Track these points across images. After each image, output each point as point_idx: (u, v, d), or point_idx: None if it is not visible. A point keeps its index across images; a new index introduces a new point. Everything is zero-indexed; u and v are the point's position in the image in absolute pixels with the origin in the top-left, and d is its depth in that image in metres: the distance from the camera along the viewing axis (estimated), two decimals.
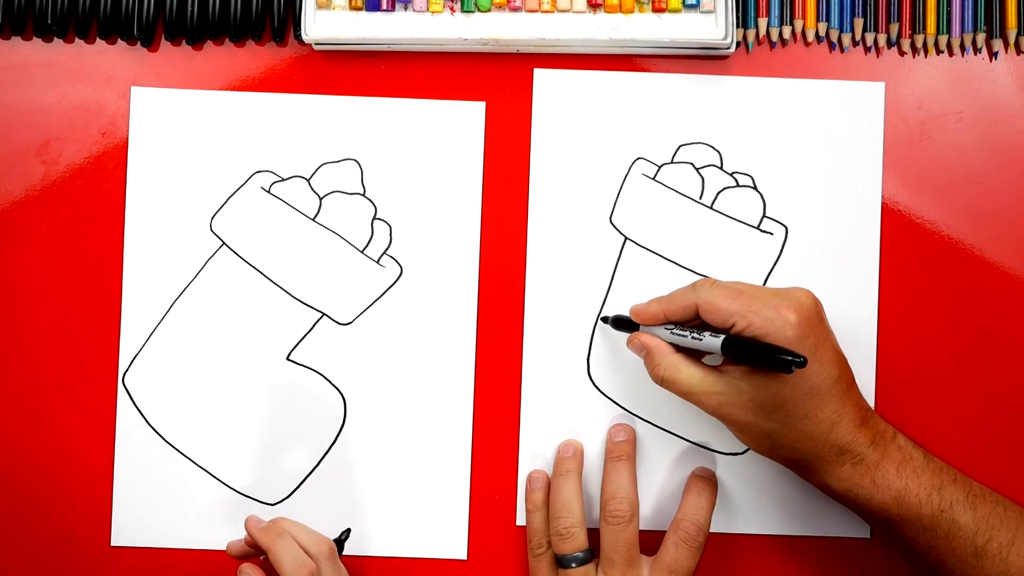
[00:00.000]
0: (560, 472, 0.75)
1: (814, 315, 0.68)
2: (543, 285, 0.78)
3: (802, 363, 0.64)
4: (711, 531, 0.74)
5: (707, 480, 0.75)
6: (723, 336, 0.67)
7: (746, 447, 0.73)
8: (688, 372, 0.69)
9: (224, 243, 0.78)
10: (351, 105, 0.79)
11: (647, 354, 0.71)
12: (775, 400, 0.67)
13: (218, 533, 0.77)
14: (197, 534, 0.77)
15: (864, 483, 0.68)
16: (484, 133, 0.78)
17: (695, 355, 0.70)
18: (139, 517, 0.77)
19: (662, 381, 0.70)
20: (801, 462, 0.69)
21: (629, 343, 0.73)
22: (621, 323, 0.75)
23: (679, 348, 0.70)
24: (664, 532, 0.74)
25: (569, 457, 0.76)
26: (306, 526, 0.74)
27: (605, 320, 0.76)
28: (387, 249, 0.78)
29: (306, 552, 0.71)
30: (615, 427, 0.77)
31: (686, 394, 0.69)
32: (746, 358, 0.67)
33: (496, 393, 0.78)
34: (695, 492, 0.74)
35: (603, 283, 0.78)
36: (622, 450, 0.75)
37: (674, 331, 0.70)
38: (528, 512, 0.76)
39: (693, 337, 0.69)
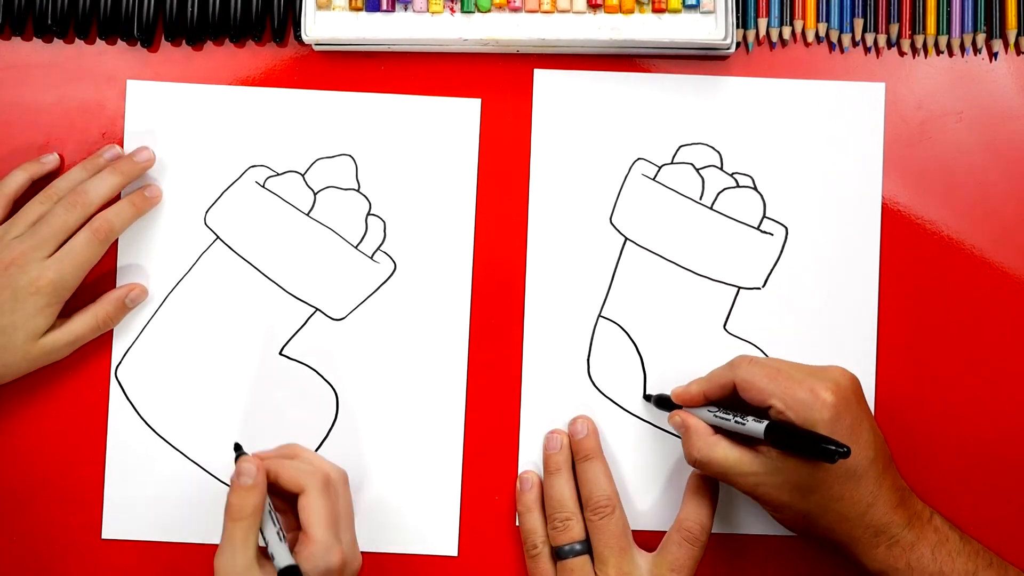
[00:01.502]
0: (550, 470, 0.76)
1: (851, 394, 0.68)
2: (543, 285, 0.78)
3: (845, 454, 0.63)
4: (714, 532, 0.74)
5: (709, 480, 0.75)
6: (766, 423, 0.67)
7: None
8: (724, 453, 0.69)
9: (218, 237, 0.78)
10: (346, 101, 0.79)
11: (685, 433, 0.71)
12: (811, 482, 0.67)
13: (209, 527, 0.77)
14: (189, 528, 0.77)
15: (899, 565, 0.67)
16: (479, 129, 0.78)
17: (735, 435, 0.70)
18: (131, 510, 0.77)
19: (696, 462, 0.70)
20: (837, 543, 0.69)
21: (670, 420, 0.73)
22: (663, 402, 0.75)
23: (718, 430, 0.70)
24: (664, 532, 0.74)
25: (556, 453, 0.76)
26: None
27: (648, 398, 0.77)
28: (381, 245, 0.78)
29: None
30: (574, 424, 0.77)
31: (722, 475, 0.69)
32: (789, 445, 0.66)
33: (496, 392, 0.78)
34: (698, 492, 0.74)
35: (603, 283, 0.78)
36: (588, 448, 0.76)
37: (717, 414, 0.70)
38: (520, 514, 0.76)
39: (736, 422, 0.69)
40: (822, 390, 0.67)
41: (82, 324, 0.75)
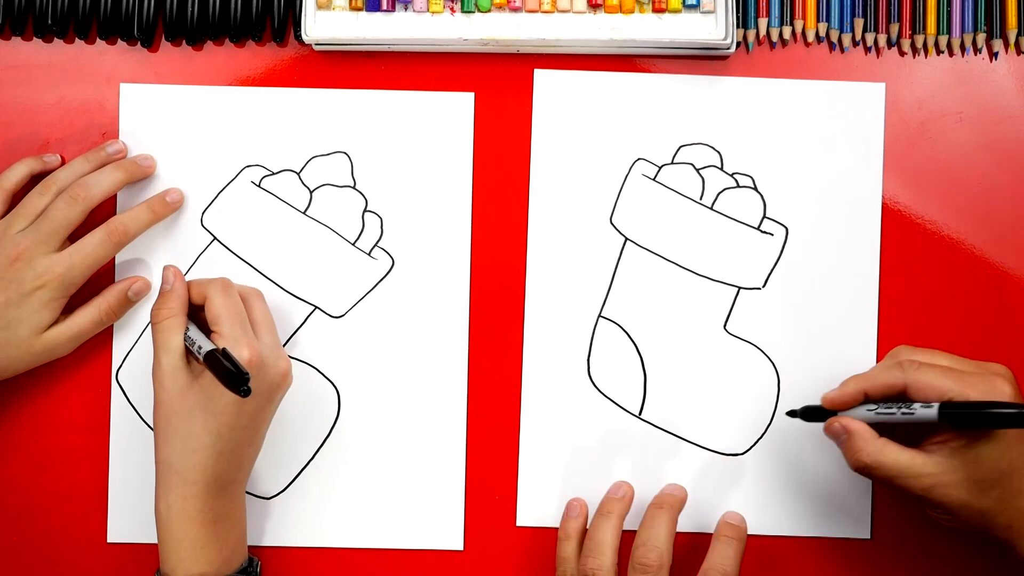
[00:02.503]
0: (603, 512, 0.74)
1: (1020, 389, 0.68)
2: (543, 285, 0.78)
3: None
4: (712, 532, 0.74)
5: (736, 528, 0.73)
6: (936, 405, 0.65)
7: (743, 448, 0.73)
8: (895, 456, 0.67)
9: (215, 238, 0.78)
10: (340, 98, 0.79)
11: (848, 438, 0.68)
12: (992, 475, 0.66)
13: None
14: None
15: None
16: (475, 126, 0.78)
17: (893, 435, 0.68)
18: (135, 513, 0.77)
19: (866, 468, 0.68)
20: (1015, 539, 0.67)
21: (827, 427, 0.70)
22: (811, 413, 0.72)
23: (879, 430, 0.68)
24: None
25: (616, 499, 0.75)
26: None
27: (793, 414, 0.73)
28: (378, 241, 0.78)
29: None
30: (669, 484, 0.76)
31: (892, 478, 0.67)
32: (969, 422, 0.65)
33: (495, 392, 0.78)
34: (723, 541, 0.72)
35: (603, 283, 0.78)
36: (667, 501, 0.74)
37: (878, 411, 0.68)
38: (559, 540, 0.75)
39: (903, 413, 0.67)
40: (1000, 383, 0.66)
41: (85, 318, 0.75)
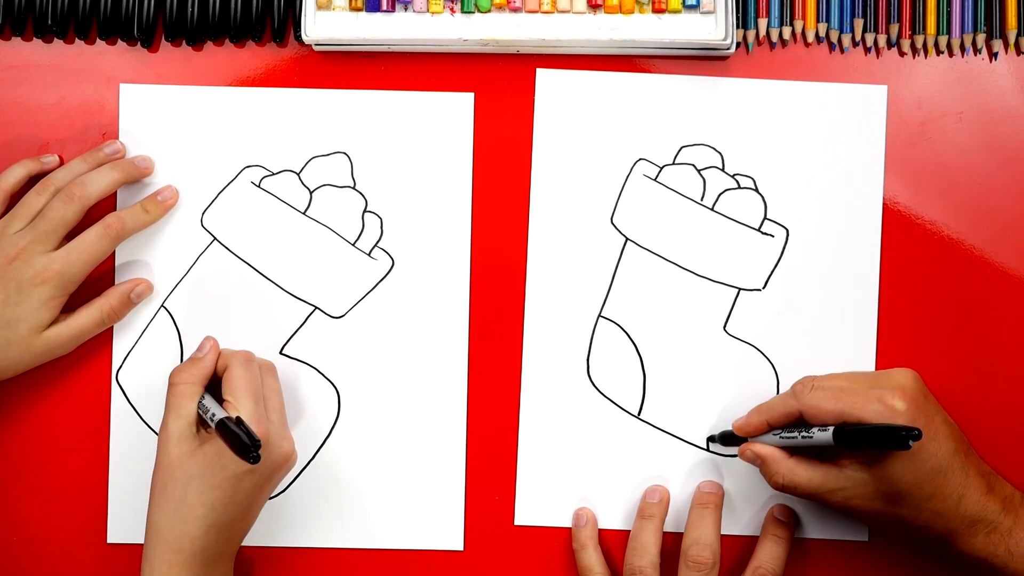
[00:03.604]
0: (644, 515, 0.75)
1: (919, 395, 0.68)
2: (544, 285, 0.78)
3: (917, 435, 0.64)
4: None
5: (786, 527, 0.75)
6: (831, 428, 0.67)
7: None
8: (808, 474, 0.69)
9: (215, 238, 0.78)
10: (340, 98, 0.79)
11: (762, 463, 0.71)
12: (899, 486, 0.67)
13: None
14: None
15: (999, 552, 0.68)
16: (475, 126, 0.78)
17: (806, 454, 0.70)
18: (135, 514, 0.77)
19: (783, 488, 0.70)
20: (935, 540, 0.69)
21: (741, 454, 0.73)
22: (728, 438, 0.75)
23: (790, 451, 0.71)
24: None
25: (655, 503, 0.76)
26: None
27: (712, 439, 0.77)
28: (378, 242, 0.78)
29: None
30: (704, 481, 0.77)
31: (810, 495, 0.69)
32: (861, 445, 0.67)
33: (495, 392, 0.78)
34: (772, 540, 0.74)
35: (604, 284, 0.78)
36: (710, 499, 0.75)
37: (782, 435, 0.71)
38: (577, 551, 0.76)
39: (803, 437, 0.69)
40: (891, 399, 0.67)
41: (86, 318, 0.75)
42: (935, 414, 0.69)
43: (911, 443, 0.64)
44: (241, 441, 0.66)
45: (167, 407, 0.71)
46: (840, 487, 0.68)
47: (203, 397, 0.71)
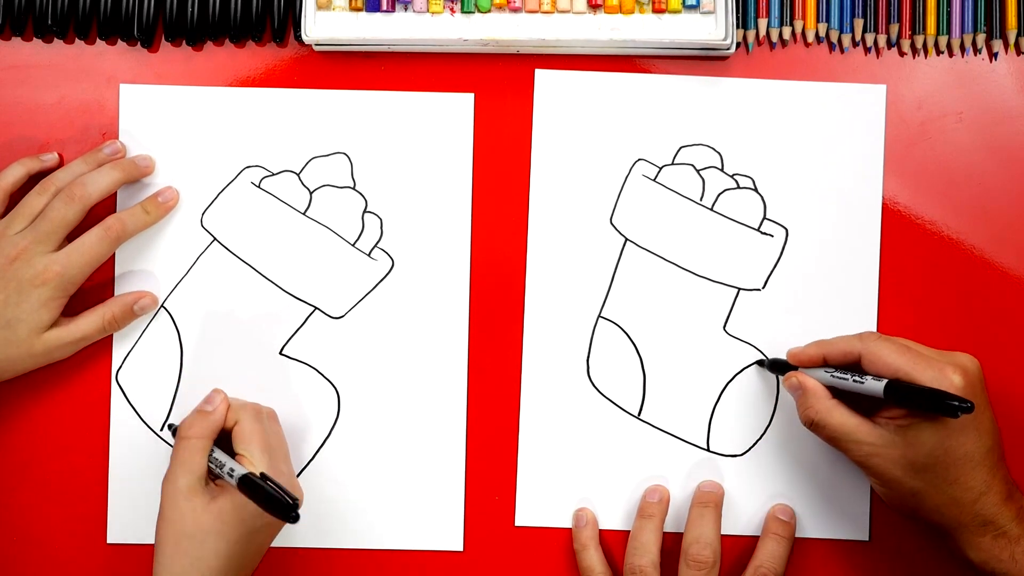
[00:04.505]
0: (644, 514, 0.75)
1: (977, 381, 0.68)
2: (543, 285, 0.78)
3: (969, 408, 0.63)
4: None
5: (787, 525, 0.75)
6: (886, 380, 0.67)
7: (743, 449, 0.74)
8: (842, 418, 0.69)
9: (215, 239, 0.78)
10: (340, 99, 0.79)
11: (802, 394, 0.71)
12: (928, 459, 0.67)
13: None
14: None
15: (1003, 556, 0.67)
16: (475, 126, 0.78)
17: (848, 401, 0.70)
18: (135, 514, 0.77)
19: (812, 424, 0.70)
20: (941, 526, 0.69)
21: (785, 381, 0.73)
22: (777, 365, 0.75)
23: (835, 393, 0.70)
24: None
25: (655, 503, 0.76)
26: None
27: (762, 363, 0.77)
28: (378, 242, 0.78)
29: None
30: (704, 481, 0.77)
31: (836, 439, 0.69)
32: (910, 401, 0.66)
33: (495, 392, 0.78)
34: (772, 539, 0.75)
35: (603, 284, 0.78)
36: (710, 498, 0.75)
37: (835, 374, 0.70)
38: (578, 551, 0.76)
39: (855, 380, 0.69)
40: (951, 372, 0.67)
41: (88, 324, 0.75)
42: (985, 407, 0.68)
43: (959, 414, 0.63)
44: (276, 500, 0.66)
45: (176, 460, 0.70)
46: (868, 441, 0.68)
47: (212, 450, 0.71)
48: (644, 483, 0.77)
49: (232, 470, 0.68)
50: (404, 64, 0.78)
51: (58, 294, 0.73)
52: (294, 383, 0.78)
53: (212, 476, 0.71)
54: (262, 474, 0.68)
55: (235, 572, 0.69)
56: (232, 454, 0.71)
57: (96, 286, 0.77)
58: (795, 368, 0.73)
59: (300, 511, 0.66)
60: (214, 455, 0.71)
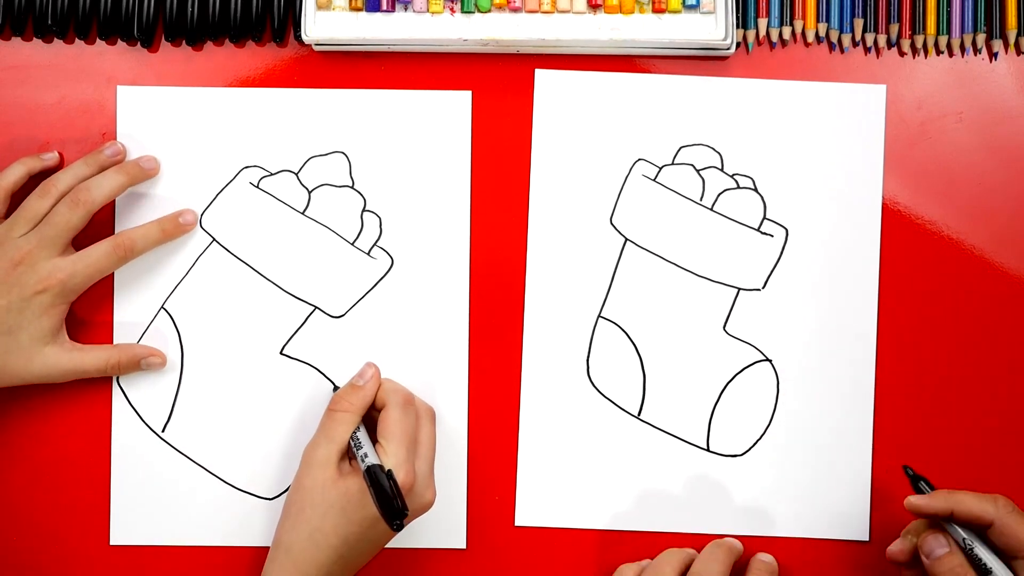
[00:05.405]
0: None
1: None
2: (543, 285, 0.78)
3: None
4: (713, 533, 0.75)
5: (770, 565, 0.75)
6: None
7: (743, 449, 0.74)
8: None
9: (214, 239, 0.78)
10: (338, 98, 0.79)
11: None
12: None
13: (216, 529, 0.77)
14: (196, 531, 0.78)
15: None
16: (474, 125, 0.78)
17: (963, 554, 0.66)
18: (137, 515, 0.77)
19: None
20: None
21: (922, 543, 0.67)
22: (915, 481, 0.69)
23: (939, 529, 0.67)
24: (657, 532, 0.76)
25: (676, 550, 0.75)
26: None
27: (908, 474, 0.70)
28: (377, 241, 0.78)
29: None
30: (762, 553, 0.76)
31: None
32: None
33: (495, 392, 0.78)
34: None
35: (603, 284, 0.78)
36: (730, 542, 0.75)
37: (973, 550, 0.66)
38: None
39: (973, 551, 0.65)
40: None
41: (91, 359, 0.75)
42: None
43: None
44: (390, 502, 0.66)
45: (322, 429, 0.71)
46: None
47: (358, 428, 0.71)
48: (644, 483, 0.77)
49: (365, 455, 0.69)
50: (404, 64, 0.78)
51: (59, 301, 0.73)
52: (295, 383, 0.78)
53: (350, 455, 0.71)
54: (388, 472, 0.68)
55: (349, 555, 0.70)
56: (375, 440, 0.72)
57: (95, 286, 0.77)
58: (931, 487, 0.68)
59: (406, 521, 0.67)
60: (357, 434, 0.71)
